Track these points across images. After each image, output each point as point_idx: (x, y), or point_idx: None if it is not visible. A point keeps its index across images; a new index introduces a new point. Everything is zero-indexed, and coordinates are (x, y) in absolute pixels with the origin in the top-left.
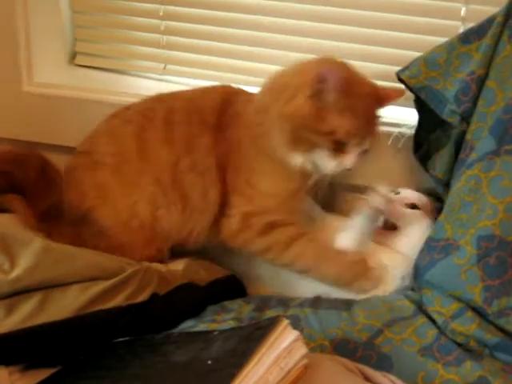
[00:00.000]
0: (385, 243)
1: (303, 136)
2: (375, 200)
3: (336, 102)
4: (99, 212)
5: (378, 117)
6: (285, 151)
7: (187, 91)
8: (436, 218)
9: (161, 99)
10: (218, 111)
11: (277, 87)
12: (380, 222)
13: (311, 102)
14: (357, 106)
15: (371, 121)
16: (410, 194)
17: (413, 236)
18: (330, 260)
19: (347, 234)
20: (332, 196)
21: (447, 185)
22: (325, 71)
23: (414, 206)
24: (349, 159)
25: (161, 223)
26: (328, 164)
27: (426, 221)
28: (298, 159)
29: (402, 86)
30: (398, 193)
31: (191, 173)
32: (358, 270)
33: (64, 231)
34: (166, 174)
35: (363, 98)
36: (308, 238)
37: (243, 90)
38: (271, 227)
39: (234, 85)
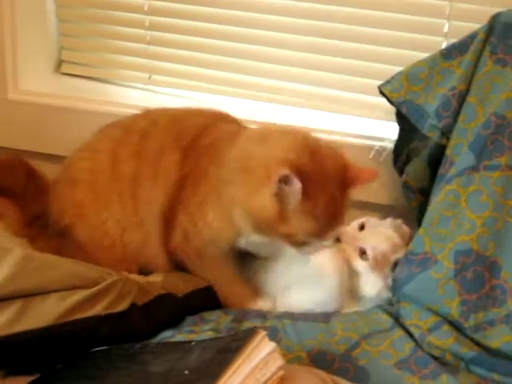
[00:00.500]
0: None
1: (265, 229)
2: None
3: (298, 205)
4: (76, 229)
5: (347, 201)
6: (244, 230)
7: (177, 109)
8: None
9: (147, 115)
10: (196, 135)
11: (242, 162)
12: None
13: (274, 203)
14: (321, 204)
15: (337, 212)
16: (368, 237)
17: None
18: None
19: None
20: None
21: (420, 192)
22: (289, 174)
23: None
24: (310, 251)
25: (127, 243)
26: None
27: (366, 277)
28: (254, 238)
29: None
30: (362, 226)
31: (147, 185)
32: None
33: (48, 241)
34: (126, 189)
35: (329, 192)
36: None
37: (230, 120)
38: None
39: (225, 111)
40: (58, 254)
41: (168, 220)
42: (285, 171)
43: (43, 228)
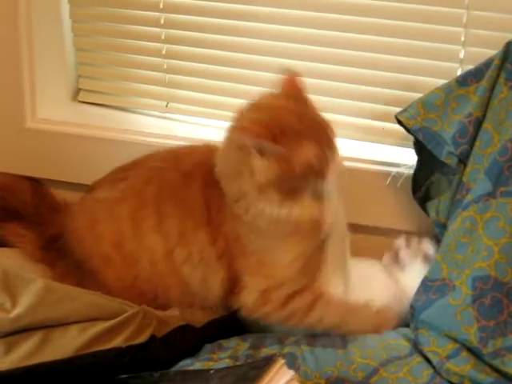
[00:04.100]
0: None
1: (290, 187)
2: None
3: (285, 145)
4: (103, 274)
5: (315, 109)
6: (284, 210)
7: (171, 169)
8: None
9: (149, 180)
10: (206, 207)
11: (228, 172)
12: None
13: (269, 160)
14: (298, 125)
15: (318, 124)
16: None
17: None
18: (354, 315)
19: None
20: None
21: None
22: (244, 139)
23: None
24: (335, 168)
25: (161, 298)
26: (324, 189)
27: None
28: (302, 208)
29: None
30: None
31: (187, 263)
32: (382, 319)
33: (68, 269)
34: (161, 262)
35: (291, 112)
36: (327, 298)
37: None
38: (291, 297)
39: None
40: (80, 285)
41: (229, 290)
42: (241, 140)
43: (61, 252)
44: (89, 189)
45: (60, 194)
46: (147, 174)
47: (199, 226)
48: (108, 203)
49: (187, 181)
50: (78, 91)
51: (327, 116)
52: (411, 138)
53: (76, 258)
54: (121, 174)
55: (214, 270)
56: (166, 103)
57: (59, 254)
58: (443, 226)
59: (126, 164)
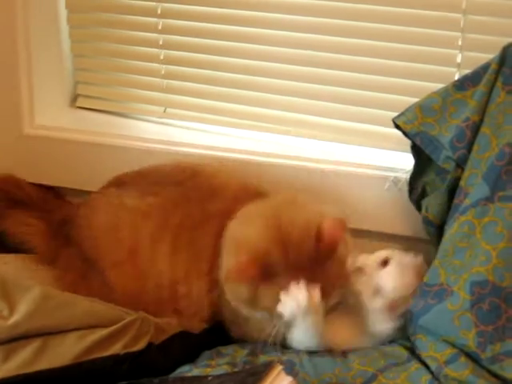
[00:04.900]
0: None
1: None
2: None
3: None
4: (113, 277)
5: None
6: (258, 314)
7: (198, 206)
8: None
9: (177, 205)
10: (213, 255)
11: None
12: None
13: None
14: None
15: (299, 260)
16: (391, 276)
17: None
18: None
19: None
20: None
21: (440, 227)
22: (236, 277)
23: (386, 261)
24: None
25: (157, 314)
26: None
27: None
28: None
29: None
30: (386, 262)
31: (185, 299)
32: None
33: (71, 261)
34: (165, 289)
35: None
36: None
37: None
38: None
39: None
40: (82, 280)
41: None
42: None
43: (67, 239)
44: (115, 182)
45: None
46: (178, 198)
47: (202, 274)
48: (134, 213)
49: (208, 222)
50: (75, 97)
51: (326, 121)
52: (409, 142)
53: (84, 253)
54: (154, 186)
55: (206, 314)
56: (163, 109)
57: (65, 242)
58: (431, 224)
59: (161, 174)
